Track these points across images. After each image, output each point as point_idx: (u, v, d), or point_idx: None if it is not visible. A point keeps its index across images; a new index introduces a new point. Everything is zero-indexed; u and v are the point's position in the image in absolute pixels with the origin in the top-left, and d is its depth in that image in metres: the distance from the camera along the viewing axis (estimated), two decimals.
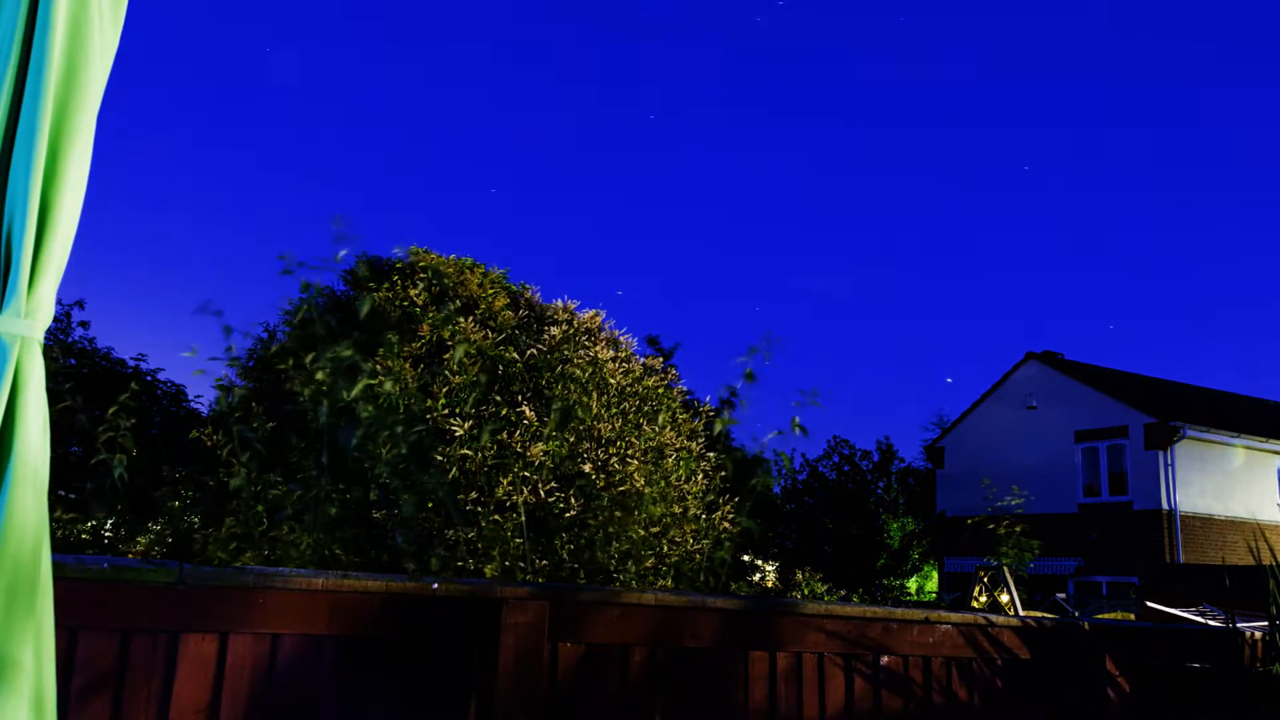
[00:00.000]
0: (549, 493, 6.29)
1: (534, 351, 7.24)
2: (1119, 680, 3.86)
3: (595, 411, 6.79)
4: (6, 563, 1.41)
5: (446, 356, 6.75)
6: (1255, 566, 4.94)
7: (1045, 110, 50.15)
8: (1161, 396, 25.05)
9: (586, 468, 6.48)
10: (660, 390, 7.66)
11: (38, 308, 1.50)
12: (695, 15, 50.57)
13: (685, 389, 8.80)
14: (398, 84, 51.69)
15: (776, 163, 53.97)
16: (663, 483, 6.81)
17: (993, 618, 3.77)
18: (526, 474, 6.15)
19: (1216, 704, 4.16)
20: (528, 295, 9.14)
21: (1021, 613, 11.74)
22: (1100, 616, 13.44)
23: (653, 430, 7.14)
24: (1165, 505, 21.71)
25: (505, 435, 6.31)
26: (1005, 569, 13.19)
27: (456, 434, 6.18)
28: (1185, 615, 10.76)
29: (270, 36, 48.26)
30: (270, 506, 5.43)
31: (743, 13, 49.69)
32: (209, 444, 6.03)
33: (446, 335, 7.01)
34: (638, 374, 7.55)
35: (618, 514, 6.38)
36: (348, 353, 5.27)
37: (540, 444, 6.27)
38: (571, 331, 7.58)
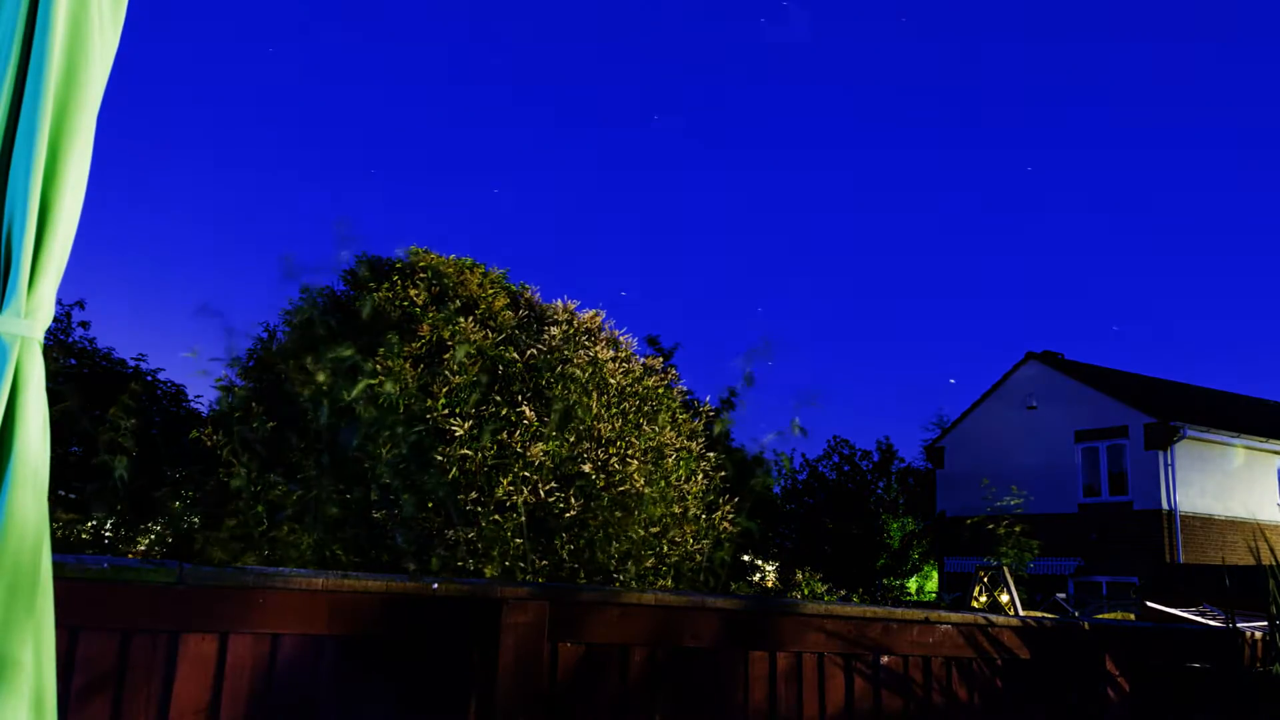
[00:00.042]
0: (549, 493, 6.29)
1: (534, 351, 7.24)
2: (1119, 680, 3.86)
3: (595, 411, 6.79)
4: (6, 563, 1.41)
5: (447, 356, 6.75)
6: (1255, 566, 4.94)
7: (1046, 110, 50.18)
8: (1161, 396, 25.06)
9: (586, 468, 6.48)
10: (660, 390, 7.66)
11: (38, 308, 1.50)
12: (697, 15, 50.59)
13: (685, 389, 8.80)
14: (398, 84, 51.69)
15: (777, 162, 53.99)
16: (663, 483, 6.82)
17: (993, 618, 3.77)
18: (526, 474, 6.15)
19: (1216, 704, 4.16)
20: (528, 295, 9.14)
21: (1021, 613, 11.75)
22: (1100, 616, 13.45)
23: (653, 430, 7.15)
24: (1165, 505, 21.72)
25: (505, 435, 6.31)
26: (1005, 569, 13.19)
27: (456, 434, 6.18)
28: (1185, 615, 10.76)
29: (272, 37, 48.27)
30: (271, 507, 5.44)
31: (744, 13, 49.68)
32: (209, 444, 6.04)
33: (447, 335, 7.01)
34: (638, 374, 7.55)
35: (618, 514, 6.38)
36: (348, 353, 5.28)
37: (540, 444, 6.28)
38: (571, 331, 7.58)
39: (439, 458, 6.05)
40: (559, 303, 8.23)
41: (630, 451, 6.79)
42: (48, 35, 1.51)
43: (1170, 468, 21.86)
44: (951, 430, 27.83)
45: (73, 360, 11.86)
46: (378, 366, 6.21)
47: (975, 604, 13.18)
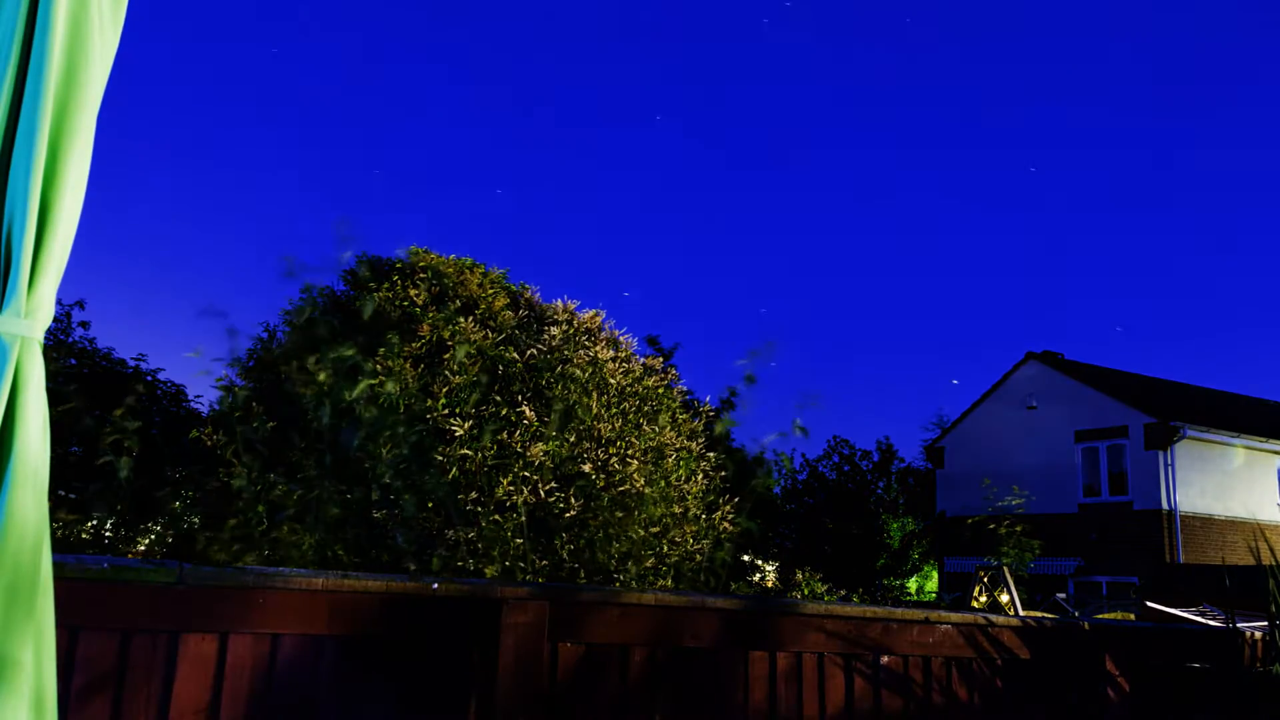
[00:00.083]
0: (549, 493, 6.29)
1: (534, 351, 7.24)
2: (1119, 680, 3.86)
3: (595, 411, 6.79)
4: (6, 563, 1.41)
5: (447, 356, 6.75)
6: (1255, 566, 4.94)
7: (1045, 110, 50.15)
8: (1161, 396, 25.06)
9: (586, 468, 6.48)
10: (660, 390, 7.66)
11: (38, 308, 1.50)
12: (698, 16, 50.57)
13: (685, 389, 8.80)
14: (398, 84, 51.68)
15: (777, 162, 53.98)
16: (663, 483, 6.82)
17: (993, 618, 3.77)
18: (526, 474, 6.15)
19: (1216, 704, 4.16)
20: (528, 295, 9.14)
21: (1021, 613, 11.75)
22: (1100, 616, 13.45)
23: (653, 430, 7.15)
24: (1165, 505, 21.72)
25: (505, 435, 6.31)
26: (1005, 569, 13.19)
27: (456, 434, 6.18)
28: (1185, 615, 10.76)
29: (275, 38, 48.27)
30: (271, 507, 5.44)
31: (745, 13, 49.66)
32: (209, 444, 6.04)
33: (447, 335, 7.01)
34: (638, 374, 7.55)
35: (618, 514, 6.38)
36: (349, 353, 5.29)
37: (540, 444, 6.28)
38: (571, 331, 7.58)
39: (439, 458, 6.05)
40: (559, 303, 8.23)
41: (630, 451, 6.79)
42: (48, 35, 1.51)
43: (1170, 468, 21.86)
44: (951, 430, 27.83)
45: (73, 360, 11.86)
46: (378, 366, 6.21)
47: (975, 604, 13.17)
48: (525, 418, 6.41)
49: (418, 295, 7.59)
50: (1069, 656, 3.86)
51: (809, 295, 55.02)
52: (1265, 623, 4.57)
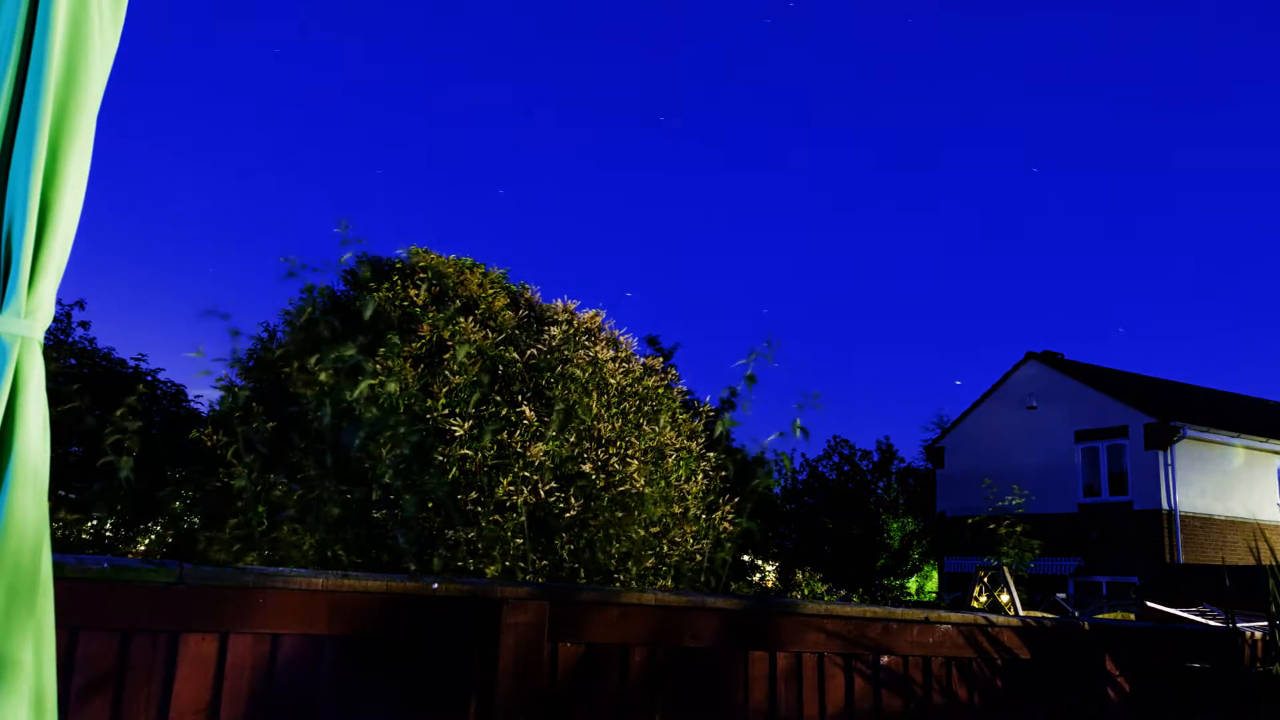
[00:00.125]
0: (549, 493, 6.29)
1: (534, 351, 7.24)
2: (1119, 680, 3.86)
3: (595, 412, 6.79)
4: (6, 563, 1.41)
5: (447, 356, 6.75)
6: (1255, 566, 4.94)
7: (1046, 110, 50.15)
8: (1161, 396, 25.06)
9: (586, 468, 6.48)
10: (660, 390, 7.66)
11: (38, 308, 1.50)
12: (700, 16, 50.57)
13: (685, 389, 8.80)
14: (401, 85, 51.69)
15: (777, 163, 53.96)
16: (663, 483, 6.82)
17: (993, 618, 3.77)
18: (527, 474, 6.15)
19: (1216, 704, 4.16)
20: (528, 295, 9.14)
21: (1021, 613, 11.75)
22: (1100, 616, 13.45)
23: (653, 430, 7.15)
24: (1165, 505, 21.72)
25: (505, 435, 6.31)
26: (1005, 569, 13.19)
27: (457, 434, 6.18)
28: (1185, 615, 10.77)
29: (275, 37, 48.26)
30: (272, 507, 5.44)
31: (749, 14, 49.69)
32: (209, 444, 6.04)
33: (447, 335, 7.01)
34: (638, 374, 7.55)
35: (618, 514, 6.38)
36: (349, 353, 5.28)
37: (540, 444, 6.28)
38: (571, 331, 7.59)
39: (439, 458, 6.05)
40: (559, 303, 8.23)
41: (630, 451, 6.79)
42: (48, 35, 1.51)
43: (1170, 468, 21.86)
44: (951, 430, 27.83)
45: (73, 360, 11.86)
46: (378, 366, 6.21)
47: (975, 604, 13.17)
48: (525, 418, 6.41)
49: (418, 295, 7.59)
50: (1069, 656, 3.86)
51: (809, 295, 55.03)
52: (1265, 623, 4.57)
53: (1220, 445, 22.84)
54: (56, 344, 11.86)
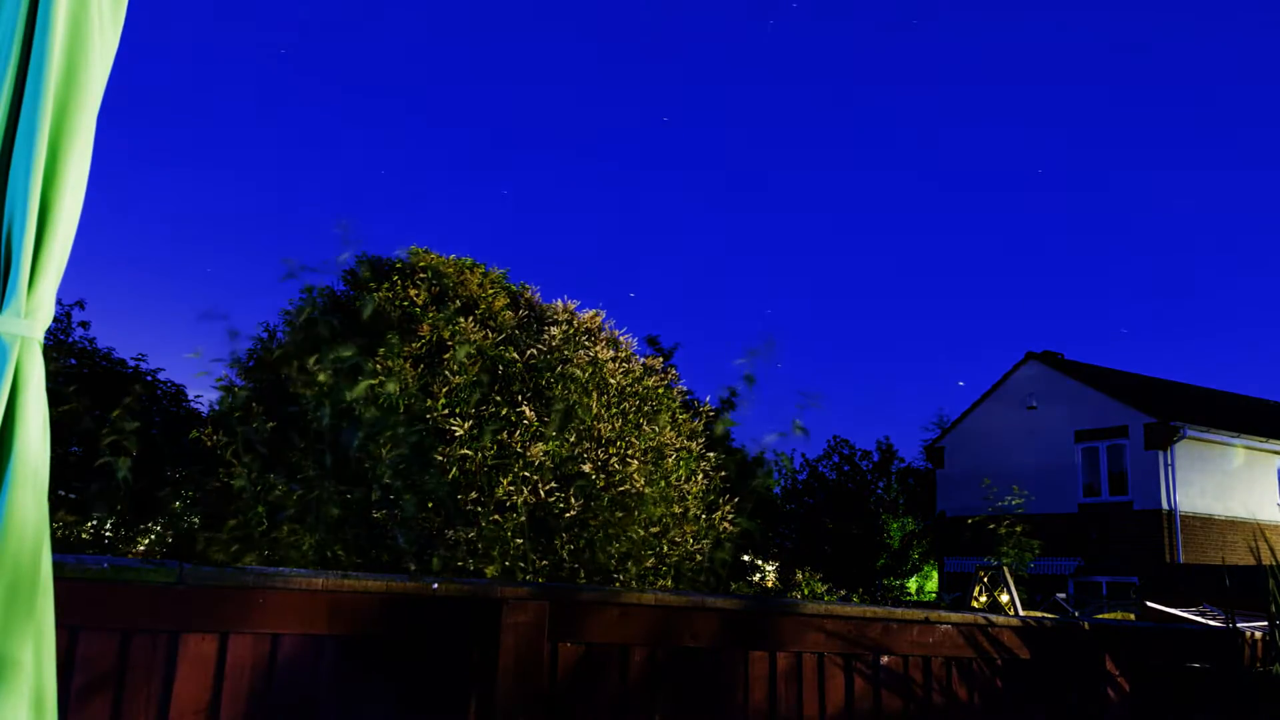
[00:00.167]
0: (549, 493, 6.29)
1: (534, 351, 7.24)
2: (1119, 680, 3.86)
3: (595, 411, 6.79)
4: (6, 563, 1.41)
5: (447, 356, 6.75)
6: (1255, 566, 4.94)
7: (1045, 110, 50.17)
8: (1161, 396, 25.06)
9: (586, 468, 6.48)
10: (660, 390, 7.66)
11: (38, 308, 1.50)
12: (703, 16, 50.58)
13: (685, 389, 8.80)
14: (399, 84, 51.70)
15: (777, 162, 53.99)
16: (663, 483, 6.82)
17: (993, 618, 3.77)
18: (526, 474, 6.15)
19: (1216, 704, 4.16)
20: (528, 295, 9.13)
21: (1021, 613, 11.75)
22: (1100, 616, 13.45)
23: (653, 430, 7.15)
24: (1165, 505, 21.72)
25: (505, 435, 6.31)
26: (1005, 569, 13.20)
27: (456, 434, 6.18)
28: (1185, 615, 10.77)
29: (275, 38, 48.26)
30: (271, 507, 5.44)
31: (752, 13, 49.68)
32: (209, 444, 6.04)
33: (447, 335, 7.01)
34: (638, 374, 7.55)
35: (618, 514, 6.39)
36: (348, 354, 5.29)
37: (540, 444, 6.28)
38: (571, 331, 7.59)
39: (439, 458, 6.05)
40: (559, 303, 8.23)
41: (630, 451, 6.80)
42: (48, 35, 1.51)
43: (1170, 468, 21.86)
44: (951, 430, 27.84)
45: (73, 360, 11.86)
46: (378, 366, 6.21)
47: (975, 604, 13.18)
48: (525, 418, 6.41)
49: (418, 295, 7.59)
50: (1069, 656, 3.86)
51: (809, 295, 55.05)
52: (1265, 623, 4.57)
53: (1220, 445, 22.85)
54: (56, 344, 11.86)
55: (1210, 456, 22.71)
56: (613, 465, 6.62)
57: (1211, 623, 7.72)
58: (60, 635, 2.11)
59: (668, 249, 56.76)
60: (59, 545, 7.58)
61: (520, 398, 6.83)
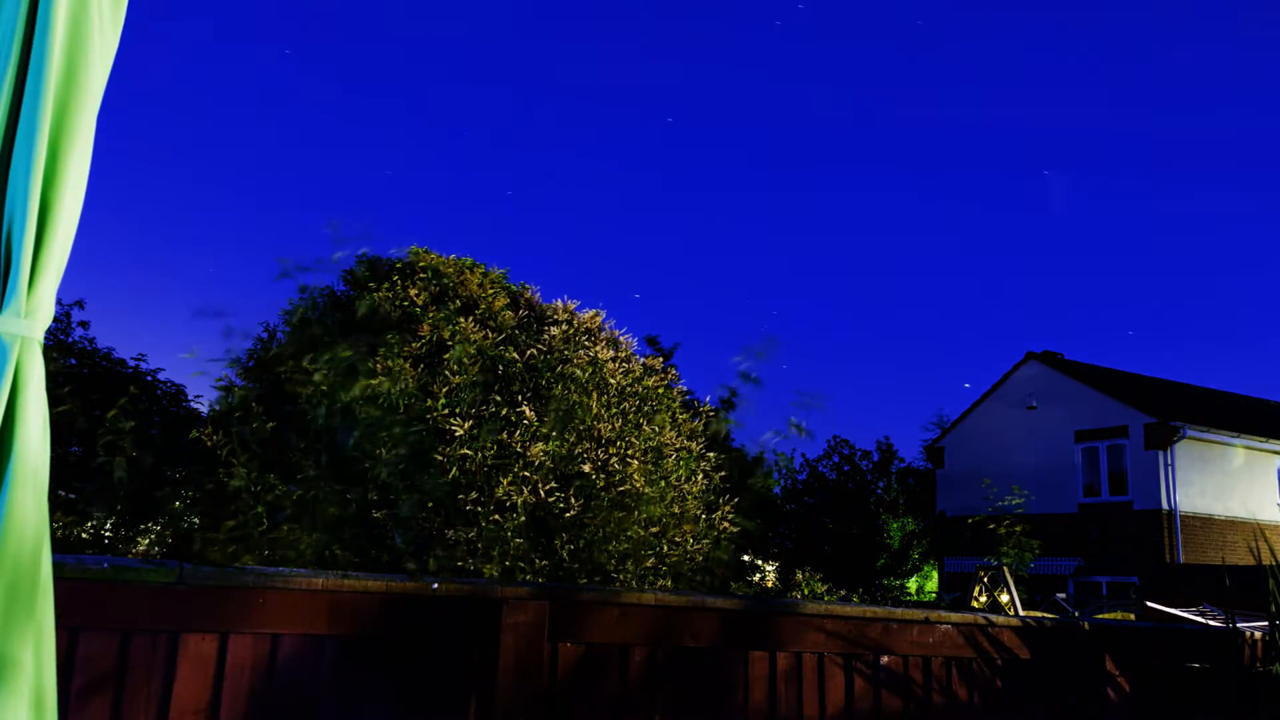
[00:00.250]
0: (549, 493, 6.29)
1: (534, 351, 7.24)
2: (1119, 680, 3.86)
3: (595, 411, 6.79)
4: (6, 563, 1.41)
5: (447, 356, 6.75)
6: (1255, 566, 4.94)
7: (1045, 109, 50.17)
8: (1161, 396, 25.07)
9: (586, 468, 6.48)
10: (660, 390, 7.66)
11: (38, 308, 1.50)
12: (705, 15, 50.58)
13: (685, 389, 8.80)
14: (399, 85, 51.71)
15: (778, 163, 54.01)
16: (662, 483, 6.82)
17: (993, 618, 3.77)
18: (526, 474, 6.15)
19: (1216, 704, 4.16)
20: (528, 295, 9.13)
21: (1021, 613, 11.75)
22: (1100, 616, 13.45)
23: (652, 430, 7.15)
24: (1165, 505, 21.72)
25: (505, 435, 6.31)
26: (1005, 569, 13.20)
27: (456, 434, 6.18)
28: (1185, 615, 10.77)
29: (275, 38, 48.26)
30: (270, 507, 5.44)
31: (756, 14, 49.71)
32: (209, 444, 6.04)
33: (447, 335, 7.01)
34: (637, 374, 7.55)
35: (618, 514, 6.39)
36: (347, 353, 5.29)
37: (540, 444, 6.28)
38: (571, 331, 7.58)
39: (439, 458, 6.05)
40: (559, 303, 8.22)
41: (630, 451, 6.79)
42: (48, 35, 1.51)
43: (1170, 468, 21.87)
44: (951, 430, 27.84)
45: (72, 360, 11.86)
46: (377, 366, 6.21)
47: (975, 604, 13.18)
48: (525, 418, 6.41)
49: (418, 295, 7.59)
50: (1069, 656, 3.86)
51: (809, 295, 55.04)
52: (1265, 623, 4.57)
53: (1220, 445, 22.85)
54: (56, 344, 11.86)
55: (1210, 456, 22.71)
56: (613, 465, 6.62)
57: (1211, 623, 7.72)
58: (60, 635, 2.11)
59: (668, 249, 56.77)
60: (59, 545, 7.58)
61: (520, 398, 6.83)
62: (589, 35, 53.01)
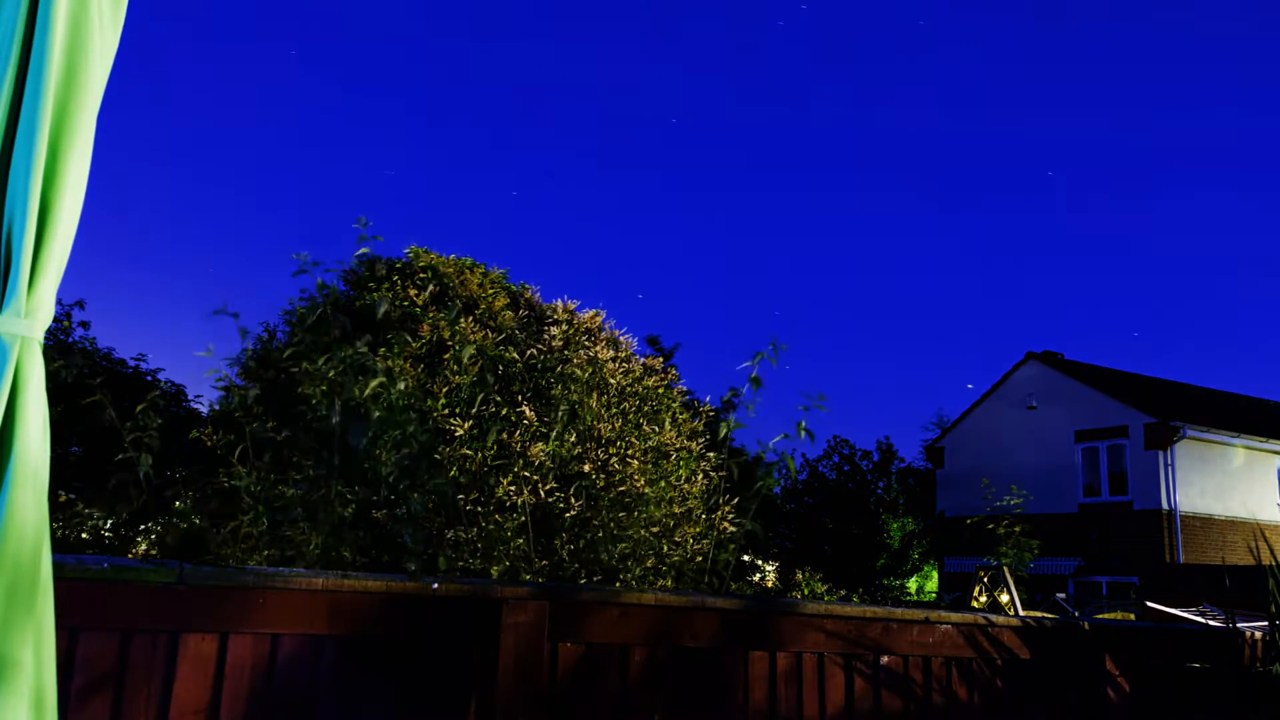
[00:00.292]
0: (549, 493, 6.29)
1: (534, 351, 7.24)
2: (1119, 680, 3.86)
3: (596, 411, 6.79)
4: (6, 563, 1.41)
5: (447, 356, 6.75)
6: (1255, 566, 4.94)
7: (1046, 110, 50.15)
8: (1161, 396, 25.06)
9: (587, 468, 6.48)
10: (660, 390, 7.66)
11: (38, 308, 1.50)
12: (707, 15, 50.58)
13: (686, 389, 8.80)
14: (399, 85, 51.71)
15: (779, 164, 53.98)
16: (663, 483, 6.82)
17: (993, 618, 3.77)
18: (527, 474, 6.15)
19: (1216, 704, 4.16)
20: (528, 295, 9.14)
21: (1021, 613, 11.75)
22: (1100, 616, 13.45)
23: (653, 430, 7.15)
24: (1165, 505, 21.71)
25: (506, 435, 6.31)
26: (1005, 569, 13.19)
27: (457, 434, 6.18)
28: (1185, 615, 10.77)
29: (275, 38, 48.25)
30: (275, 508, 5.44)
31: (756, 14, 49.70)
32: (209, 444, 6.04)
33: (447, 335, 7.01)
34: (638, 374, 7.55)
35: (619, 514, 6.38)
36: (363, 350, 5.30)
37: (541, 444, 6.27)
38: (571, 332, 7.59)
39: (439, 458, 6.05)
40: (559, 303, 8.23)
41: (631, 452, 6.79)
42: (48, 35, 1.51)
43: (1170, 468, 21.86)
44: (951, 430, 27.83)
45: (86, 369, 11.88)
46: (380, 366, 6.20)
47: (975, 604, 13.17)
48: (525, 418, 6.41)
49: (418, 295, 7.59)
50: (1069, 656, 3.86)
51: (809, 295, 55.04)
52: (1265, 623, 4.57)
53: (1220, 445, 22.84)
54: (57, 344, 11.86)
55: (1210, 456, 22.70)
56: (613, 465, 6.62)
57: (1211, 623, 7.72)
58: (60, 635, 2.11)
59: (669, 249, 56.75)
60: (59, 545, 7.58)
61: (520, 398, 6.83)
62: (589, 35, 52.97)
